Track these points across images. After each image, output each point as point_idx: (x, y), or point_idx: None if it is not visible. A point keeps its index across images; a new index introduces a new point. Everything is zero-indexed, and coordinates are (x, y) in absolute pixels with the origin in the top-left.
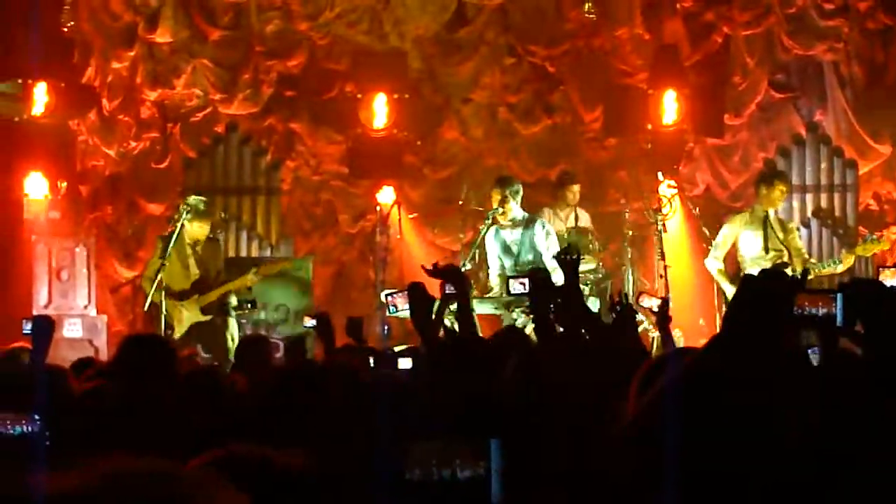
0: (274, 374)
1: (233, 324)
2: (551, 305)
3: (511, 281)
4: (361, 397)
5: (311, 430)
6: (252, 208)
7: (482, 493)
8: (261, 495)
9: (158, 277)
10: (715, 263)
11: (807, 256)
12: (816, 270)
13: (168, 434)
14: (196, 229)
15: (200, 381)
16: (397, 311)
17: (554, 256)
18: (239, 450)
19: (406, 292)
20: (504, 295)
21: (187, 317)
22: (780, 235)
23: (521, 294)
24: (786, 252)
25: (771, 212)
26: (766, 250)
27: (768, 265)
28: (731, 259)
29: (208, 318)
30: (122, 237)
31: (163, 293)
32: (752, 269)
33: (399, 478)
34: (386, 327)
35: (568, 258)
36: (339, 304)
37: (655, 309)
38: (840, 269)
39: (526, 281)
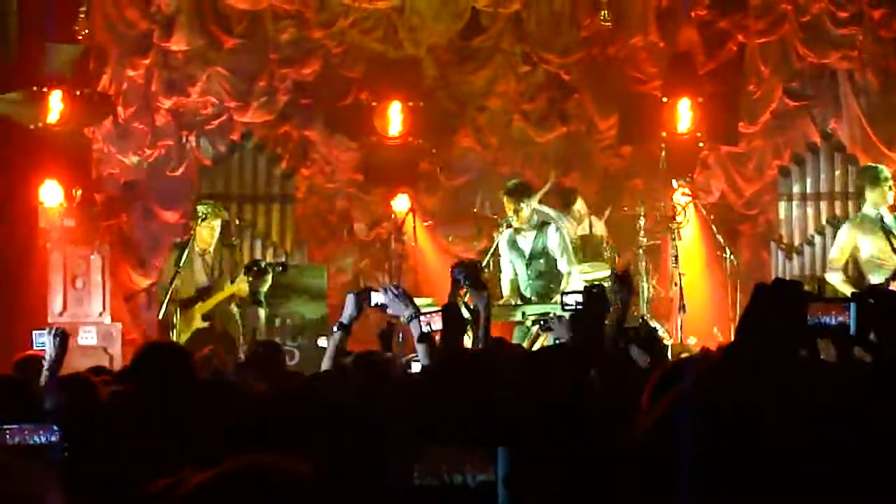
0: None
1: (262, 313)
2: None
3: (565, 296)
4: (377, 404)
5: (325, 436)
6: (267, 216)
7: (491, 500)
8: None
9: (173, 286)
10: (836, 276)
11: None
12: None
13: (189, 440)
14: (204, 235)
15: (219, 387)
16: (431, 329)
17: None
18: (259, 459)
19: (441, 312)
20: (516, 302)
21: (193, 324)
22: None
23: (575, 309)
24: None
25: (885, 211)
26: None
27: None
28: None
29: (206, 324)
30: (136, 245)
31: (176, 302)
32: (877, 276)
33: (409, 483)
34: (401, 336)
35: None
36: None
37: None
38: None
39: (579, 297)
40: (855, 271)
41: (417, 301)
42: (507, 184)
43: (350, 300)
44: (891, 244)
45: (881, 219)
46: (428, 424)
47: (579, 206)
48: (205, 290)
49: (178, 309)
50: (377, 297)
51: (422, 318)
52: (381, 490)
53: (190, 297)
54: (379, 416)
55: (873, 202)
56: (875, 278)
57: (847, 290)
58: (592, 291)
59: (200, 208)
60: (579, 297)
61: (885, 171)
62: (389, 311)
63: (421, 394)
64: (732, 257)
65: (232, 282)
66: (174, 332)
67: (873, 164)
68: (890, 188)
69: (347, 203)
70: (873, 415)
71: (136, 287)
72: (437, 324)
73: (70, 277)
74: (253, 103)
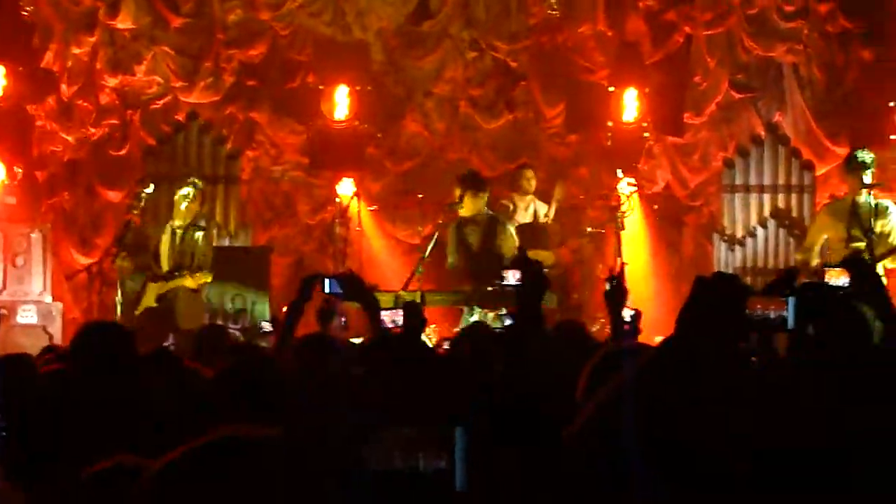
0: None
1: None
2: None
3: (504, 272)
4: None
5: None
6: (211, 197)
7: (446, 482)
8: (264, 474)
9: (117, 263)
10: (804, 258)
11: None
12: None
13: (133, 420)
14: (183, 212)
15: (164, 367)
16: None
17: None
18: (235, 431)
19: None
20: (463, 288)
21: (145, 300)
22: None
23: (514, 285)
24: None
25: (863, 197)
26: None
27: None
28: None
29: (155, 305)
30: (79, 224)
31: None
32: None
33: (361, 467)
34: (343, 319)
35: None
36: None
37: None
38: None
39: (517, 272)
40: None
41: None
42: (463, 172)
43: (303, 284)
44: (847, 232)
45: (851, 204)
46: (378, 407)
47: (530, 175)
48: (176, 268)
49: (138, 277)
50: (331, 285)
51: (385, 313)
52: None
53: (156, 274)
54: (324, 396)
55: (850, 188)
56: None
57: (803, 273)
58: (530, 265)
59: (188, 189)
60: (518, 274)
61: (863, 157)
62: (343, 299)
63: (369, 378)
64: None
65: (197, 271)
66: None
67: (853, 150)
68: (864, 173)
69: (292, 186)
70: (805, 408)
71: (77, 266)
72: (398, 318)
73: (10, 255)
74: (199, 84)
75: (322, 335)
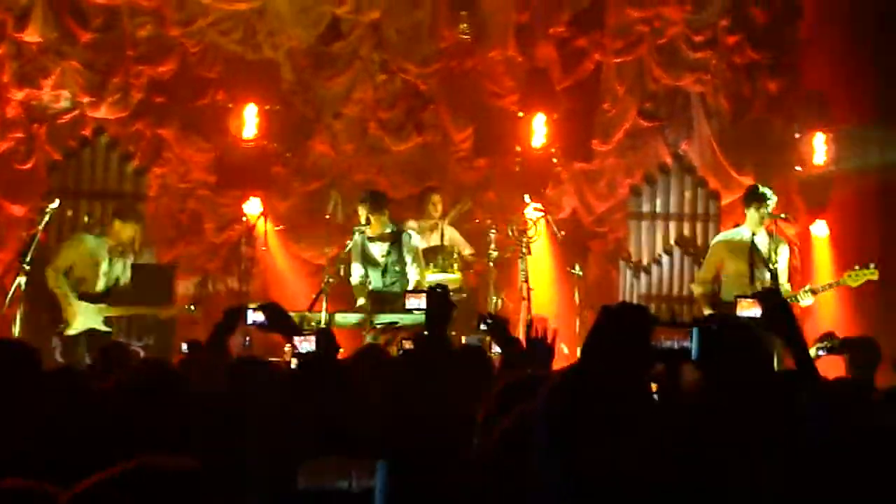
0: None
1: None
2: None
3: (408, 296)
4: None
5: (184, 435)
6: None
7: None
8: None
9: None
10: (699, 289)
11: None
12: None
13: (34, 439)
14: (126, 234)
15: (63, 384)
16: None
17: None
18: (147, 460)
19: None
20: (368, 308)
21: (82, 321)
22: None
23: (419, 309)
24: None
25: (762, 234)
26: (752, 280)
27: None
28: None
29: (107, 329)
30: None
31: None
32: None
33: (292, 488)
34: (247, 339)
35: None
36: (200, 314)
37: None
38: (804, 303)
39: (423, 296)
40: (718, 288)
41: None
42: (363, 193)
43: (226, 316)
44: (750, 268)
45: (752, 240)
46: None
47: (437, 200)
48: (107, 293)
49: (72, 294)
50: (254, 316)
51: (297, 338)
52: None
53: (97, 294)
54: (250, 417)
55: (749, 223)
56: (728, 299)
57: (705, 305)
58: (435, 291)
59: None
60: (422, 298)
61: (763, 191)
62: (266, 330)
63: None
64: (579, 271)
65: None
66: (64, 312)
67: (754, 185)
68: (765, 207)
69: (199, 204)
70: (703, 438)
71: None
72: (312, 345)
73: None
74: (107, 99)
75: (253, 359)
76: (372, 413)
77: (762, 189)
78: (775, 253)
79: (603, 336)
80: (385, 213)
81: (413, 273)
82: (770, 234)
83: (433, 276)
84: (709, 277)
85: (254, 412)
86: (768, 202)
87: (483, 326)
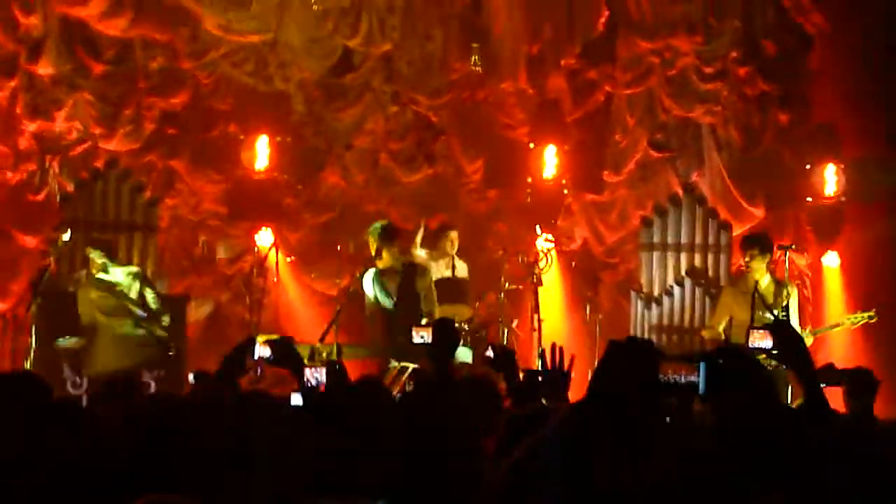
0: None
1: None
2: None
3: (414, 330)
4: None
5: (192, 474)
6: (128, 245)
7: None
8: None
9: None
10: (709, 334)
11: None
12: None
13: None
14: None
15: (71, 418)
16: (318, 382)
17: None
18: (158, 499)
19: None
20: (385, 341)
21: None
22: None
23: (424, 343)
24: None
25: (767, 279)
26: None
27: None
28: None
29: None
30: None
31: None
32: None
33: None
34: (259, 370)
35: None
36: (212, 345)
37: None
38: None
39: (429, 330)
40: (728, 332)
41: None
42: (374, 225)
43: (236, 351)
44: (751, 318)
45: (755, 286)
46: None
47: (454, 236)
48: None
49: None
50: (261, 351)
51: (308, 371)
52: None
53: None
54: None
55: (754, 269)
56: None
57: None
58: (441, 325)
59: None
60: (428, 332)
61: (759, 240)
62: (272, 364)
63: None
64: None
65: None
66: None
67: (758, 234)
68: (767, 256)
69: (211, 235)
70: (712, 467)
71: None
72: (320, 375)
73: None
74: (119, 131)
75: (259, 393)
76: (373, 451)
77: (756, 236)
78: (781, 297)
79: (609, 369)
80: (396, 246)
81: (424, 307)
82: (777, 281)
83: (444, 308)
84: (717, 322)
85: (257, 449)
86: (767, 253)
87: (490, 355)
